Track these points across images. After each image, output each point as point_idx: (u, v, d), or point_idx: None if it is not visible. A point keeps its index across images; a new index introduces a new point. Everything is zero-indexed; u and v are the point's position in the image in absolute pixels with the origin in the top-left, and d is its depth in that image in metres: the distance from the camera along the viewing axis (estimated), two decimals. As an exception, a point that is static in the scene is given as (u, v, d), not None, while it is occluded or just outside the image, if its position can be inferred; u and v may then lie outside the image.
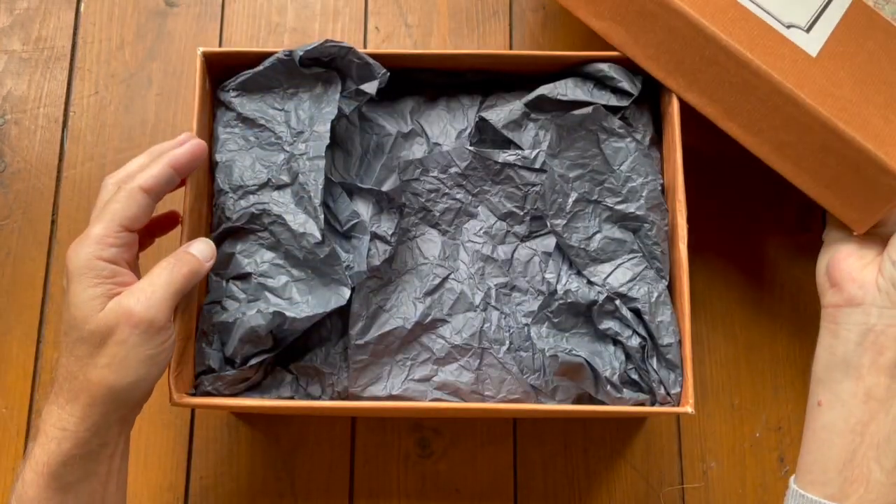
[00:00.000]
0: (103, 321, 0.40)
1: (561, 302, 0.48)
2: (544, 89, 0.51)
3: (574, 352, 0.46)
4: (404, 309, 0.48)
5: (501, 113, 0.51)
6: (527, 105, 0.51)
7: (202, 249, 0.44)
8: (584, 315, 0.49)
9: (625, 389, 0.47)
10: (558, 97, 0.51)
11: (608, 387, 0.46)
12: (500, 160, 0.50)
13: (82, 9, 0.65)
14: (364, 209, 0.48)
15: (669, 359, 0.47)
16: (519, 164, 0.49)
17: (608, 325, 0.48)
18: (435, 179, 0.50)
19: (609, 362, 0.48)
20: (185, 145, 0.45)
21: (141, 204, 0.42)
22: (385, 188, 0.48)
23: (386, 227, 0.48)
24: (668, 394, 0.47)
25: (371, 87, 0.48)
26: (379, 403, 0.47)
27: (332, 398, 0.48)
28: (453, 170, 0.50)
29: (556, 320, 0.48)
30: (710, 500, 0.56)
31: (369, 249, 0.47)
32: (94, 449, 0.41)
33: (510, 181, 0.50)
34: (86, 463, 0.41)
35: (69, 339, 0.41)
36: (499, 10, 0.64)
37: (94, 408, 0.40)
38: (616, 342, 0.49)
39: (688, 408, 0.45)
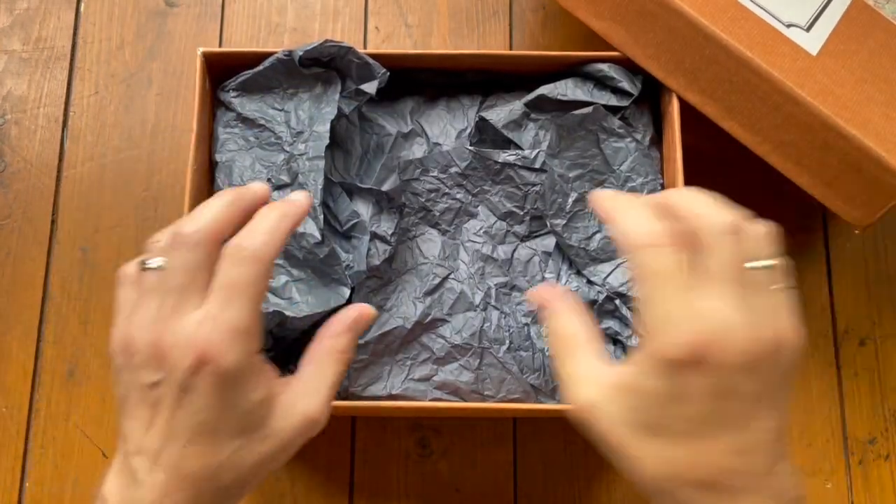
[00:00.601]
0: (285, 438, 0.34)
1: None
2: (544, 89, 0.51)
3: None
4: (404, 308, 0.48)
5: (501, 113, 0.51)
6: (527, 105, 0.51)
7: (356, 328, 0.38)
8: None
9: None
10: (558, 97, 0.51)
11: None
12: (499, 160, 0.50)
13: (82, 9, 0.65)
14: (364, 209, 0.48)
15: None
16: (519, 163, 0.49)
17: (608, 324, 0.48)
18: (435, 179, 0.50)
19: None
20: (300, 200, 0.36)
21: (269, 276, 0.34)
22: (385, 188, 0.48)
23: (386, 226, 0.48)
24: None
25: (371, 87, 0.48)
26: (379, 403, 0.47)
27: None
28: (453, 169, 0.50)
29: None
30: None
31: (369, 249, 0.47)
32: None
33: (510, 181, 0.50)
34: None
35: (221, 443, 0.33)
36: (499, 10, 0.64)
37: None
38: (616, 342, 0.49)
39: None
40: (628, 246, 0.32)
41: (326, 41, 0.48)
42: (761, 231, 0.33)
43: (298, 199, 0.36)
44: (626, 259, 0.40)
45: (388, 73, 0.48)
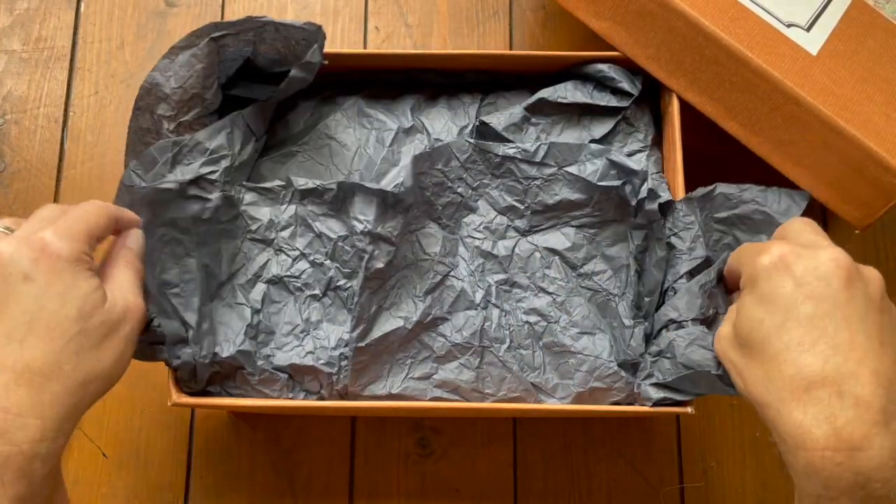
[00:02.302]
0: (115, 316, 0.39)
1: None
2: (544, 93, 0.51)
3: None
4: (404, 307, 0.48)
5: (501, 117, 0.51)
6: (527, 109, 0.51)
7: (138, 243, 0.44)
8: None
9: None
10: (558, 100, 0.51)
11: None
12: (500, 153, 0.50)
13: (82, 9, 0.65)
14: (368, 210, 0.47)
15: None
16: (519, 157, 0.49)
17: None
18: (439, 172, 0.50)
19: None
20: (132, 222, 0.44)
21: (110, 219, 0.42)
22: (388, 184, 0.47)
23: (390, 226, 0.47)
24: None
25: (315, 55, 0.47)
26: (379, 403, 0.47)
27: (331, 398, 0.48)
28: (454, 163, 0.50)
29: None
30: (710, 500, 0.55)
31: (373, 251, 0.47)
32: (61, 453, 0.38)
33: (510, 174, 0.50)
34: (56, 475, 0.39)
35: (64, 334, 0.38)
36: (499, 10, 0.64)
37: (84, 404, 0.39)
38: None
39: (688, 408, 0.45)
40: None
41: (248, 18, 0.46)
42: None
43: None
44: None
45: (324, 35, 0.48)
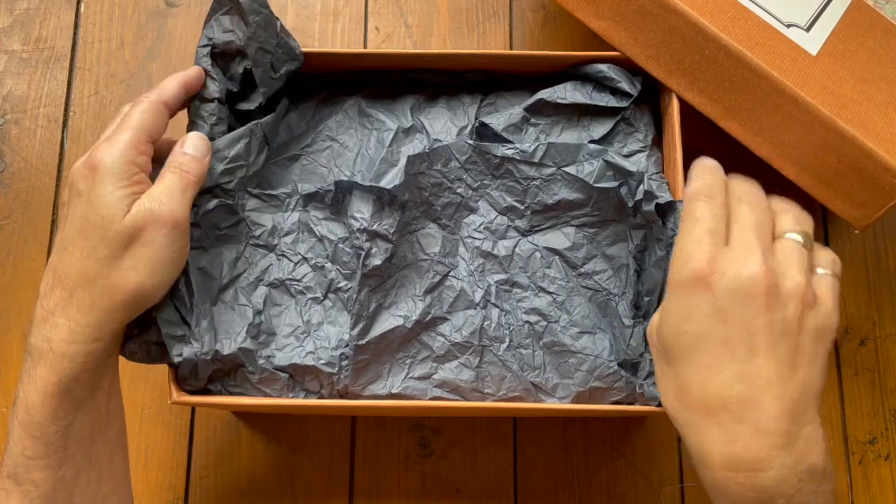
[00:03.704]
0: (130, 222, 0.40)
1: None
2: (544, 94, 0.51)
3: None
4: (404, 306, 0.48)
5: (501, 117, 0.51)
6: (526, 109, 0.51)
7: (197, 146, 0.44)
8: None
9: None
10: (557, 101, 0.51)
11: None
12: (498, 154, 0.50)
13: (82, 9, 0.65)
14: (364, 208, 0.48)
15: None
16: (518, 157, 0.49)
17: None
18: (438, 173, 0.50)
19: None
20: (191, 68, 0.46)
21: (164, 116, 0.44)
22: (387, 184, 0.47)
23: (387, 224, 0.47)
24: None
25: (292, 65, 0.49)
26: (379, 402, 0.47)
27: (331, 398, 0.48)
28: (453, 163, 0.50)
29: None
30: (710, 500, 0.55)
31: (370, 248, 0.47)
32: (104, 360, 0.41)
33: (510, 175, 0.50)
34: (93, 376, 0.41)
35: (89, 241, 0.40)
36: (499, 11, 0.65)
37: (113, 314, 0.40)
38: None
39: (688, 407, 0.45)
40: (685, 196, 0.41)
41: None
42: (791, 213, 0.41)
43: (191, 71, 0.46)
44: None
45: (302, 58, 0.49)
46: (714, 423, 0.36)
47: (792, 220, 0.40)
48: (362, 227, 0.47)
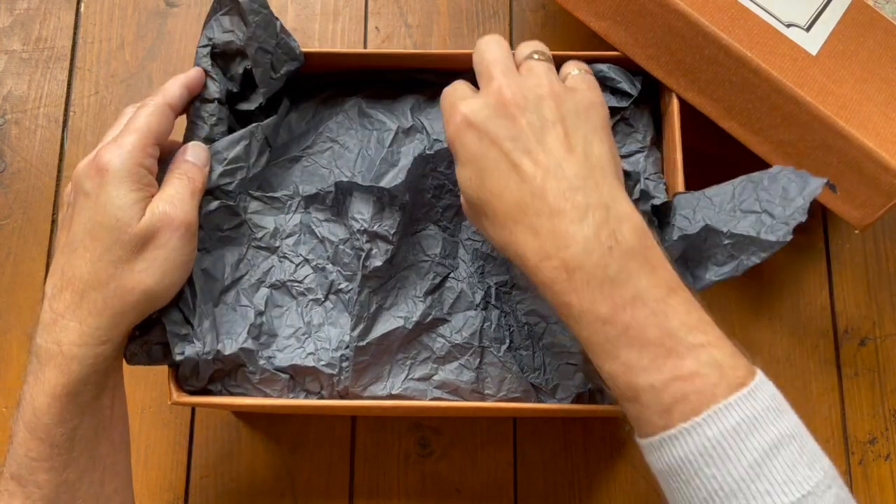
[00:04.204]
0: (146, 225, 0.41)
1: None
2: None
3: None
4: (404, 308, 0.48)
5: None
6: None
7: (198, 154, 0.45)
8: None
9: None
10: None
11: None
12: None
13: (82, 9, 0.65)
14: (364, 208, 0.48)
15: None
16: None
17: None
18: (440, 175, 0.50)
19: None
20: (192, 69, 0.47)
21: (170, 118, 0.44)
22: (384, 183, 0.47)
23: (387, 224, 0.47)
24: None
25: (292, 65, 0.49)
26: (379, 402, 0.47)
27: (332, 398, 0.48)
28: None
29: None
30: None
31: (371, 249, 0.47)
32: (111, 362, 0.41)
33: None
34: (100, 378, 0.41)
35: (100, 243, 0.40)
36: (499, 11, 0.64)
37: (125, 315, 0.41)
38: None
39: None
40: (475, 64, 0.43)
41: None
42: (524, 43, 0.43)
43: (192, 72, 0.46)
44: None
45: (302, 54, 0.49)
46: (520, 227, 0.38)
47: (527, 47, 0.43)
48: (362, 229, 0.47)
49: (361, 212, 0.47)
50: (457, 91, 0.42)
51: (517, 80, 0.40)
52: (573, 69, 0.43)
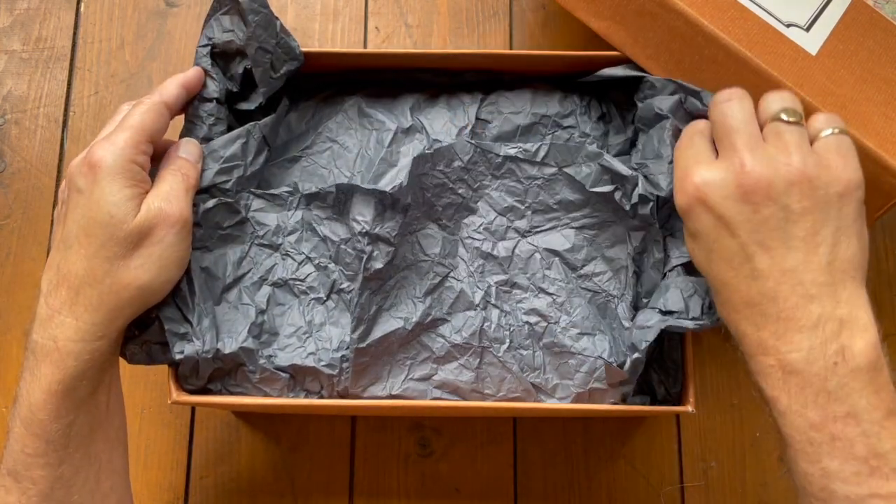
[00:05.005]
0: (142, 221, 0.41)
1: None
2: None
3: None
4: (404, 308, 0.48)
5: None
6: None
7: (191, 151, 0.45)
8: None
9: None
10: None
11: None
12: (501, 153, 0.50)
13: (82, 9, 0.65)
14: (366, 211, 0.47)
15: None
16: (521, 156, 0.49)
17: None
18: (441, 174, 0.50)
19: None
20: (191, 69, 0.47)
21: (165, 117, 0.44)
22: (387, 185, 0.47)
23: (388, 227, 0.47)
24: (668, 393, 0.47)
25: (291, 65, 0.49)
26: (379, 402, 0.47)
27: (331, 398, 0.48)
28: (456, 164, 0.50)
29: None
30: (710, 500, 0.55)
31: (372, 251, 0.47)
32: (107, 357, 0.41)
33: (511, 174, 0.50)
34: (96, 373, 0.41)
35: (95, 239, 0.40)
36: (499, 10, 0.64)
37: (121, 311, 0.41)
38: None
39: (688, 407, 0.45)
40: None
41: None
42: (771, 94, 0.40)
43: (191, 72, 0.46)
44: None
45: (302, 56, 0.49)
46: (743, 318, 0.37)
47: (775, 101, 0.39)
48: (364, 231, 0.47)
49: (363, 213, 0.47)
50: (693, 150, 0.40)
51: (763, 158, 0.37)
52: (826, 127, 0.39)
